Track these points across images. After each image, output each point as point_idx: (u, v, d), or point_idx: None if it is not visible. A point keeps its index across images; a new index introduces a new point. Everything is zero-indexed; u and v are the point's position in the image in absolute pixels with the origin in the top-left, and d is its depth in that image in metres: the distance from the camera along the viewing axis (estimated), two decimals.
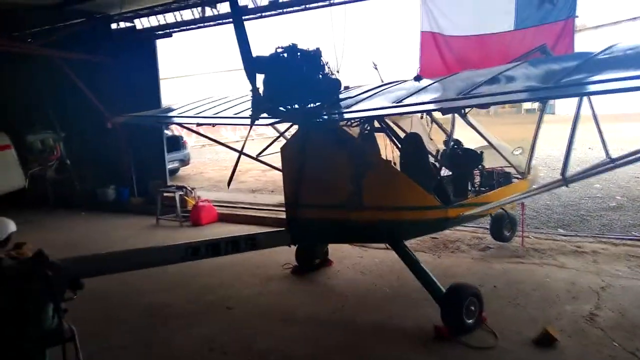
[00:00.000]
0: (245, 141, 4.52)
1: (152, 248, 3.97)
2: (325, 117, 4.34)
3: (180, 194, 9.18)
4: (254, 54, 4.04)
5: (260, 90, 4.15)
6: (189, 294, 5.39)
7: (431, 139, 5.67)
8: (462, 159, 5.79)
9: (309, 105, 4.29)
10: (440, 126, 5.79)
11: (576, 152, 14.50)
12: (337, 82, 4.32)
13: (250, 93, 4.16)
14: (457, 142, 5.93)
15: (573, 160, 13.18)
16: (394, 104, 3.98)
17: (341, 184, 4.38)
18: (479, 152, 5.74)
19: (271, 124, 4.80)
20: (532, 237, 7.01)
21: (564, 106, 32.59)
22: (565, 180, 3.86)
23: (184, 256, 3.84)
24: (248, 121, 4.44)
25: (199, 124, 5.89)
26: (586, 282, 5.30)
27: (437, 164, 5.49)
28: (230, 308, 4.98)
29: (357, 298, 5.17)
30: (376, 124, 5.23)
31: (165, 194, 9.52)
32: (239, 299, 5.23)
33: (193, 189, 9.59)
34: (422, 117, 5.45)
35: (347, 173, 4.36)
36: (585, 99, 4.31)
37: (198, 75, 27.63)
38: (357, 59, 8.15)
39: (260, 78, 4.20)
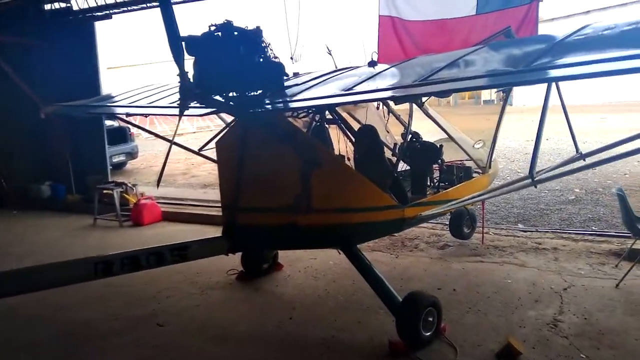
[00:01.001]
0: (175, 133, 3.90)
1: (49, 265, 3.31)
2: (268, 106, 3.80)
3: (120, 191, 8.40)
4: (183, 34, 3.45)
5: (190, 75, 3.56)
6: (115, 308, 4.75)
7: (388, 132, 5.22)
8: (421, 154, 5.39)
9: (248, 93, 3.75)
10: (397, 117, 5.35)
11: (532, 144, 14.59)
12: (280, 67, 3.78)
13: (178, 79, 3.56)
14: (416, 135, 5.52)
15: (525, 151, 13.32)
16: (344, 92, 3.48)
17: (286, 184, 3.86)
18: (438, 145, 5.35)
19: (205, 115, 4.21)
20: (492, 233, 6.74)
21: (521, 97, 33.39)
22: (533, 179, 3.49)
23: (91, 274, 3.23)
24: (178, 111, 3.82)
25: (128, 114, 5.21)
26: (548, 282, 5.03)
27: (393, 159, 5.05)
28: (161, 325, 4.39)
29: (307, 308, 4.69)
30: (328, 115, 4.74)
31: (105, 191, 8.73)
32: (173, 313, 4.64)
33: (134, 185, 8.82)
34: (378, 107, 4.98)
35: (293, 172, 3.85)
36: (553, 87, 3.94)
37: (149, 64, 26.27)
38: (312, 45, 7.60)
39: (190, 61, 3.61)
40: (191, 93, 3.52)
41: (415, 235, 6.91)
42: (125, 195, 8.44)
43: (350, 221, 4.04)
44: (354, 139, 4.67)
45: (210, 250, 3.91)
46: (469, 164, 5.75)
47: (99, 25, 9.74)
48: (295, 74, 4.98)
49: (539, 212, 7.54)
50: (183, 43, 3.39)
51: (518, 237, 6.51)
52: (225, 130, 3.90)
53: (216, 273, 5.50)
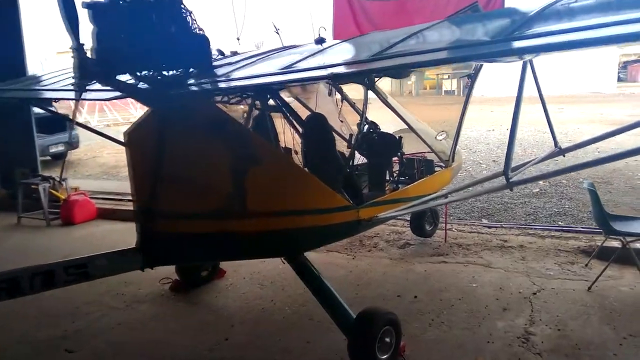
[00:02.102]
0: (73, 117, 3.15)
1: None
2: (191, 89, 3.11)
3: (47, 186, 7.46)
4: None
5: (89, 50, 2.83)
6: (17, 330, 3.98)
7: (342, 121, 4.62)
8: (379, 146, 4.82)
9: (165, 73, 3.05)
10: (352, 105, 4.74)
11: (494, 133, 14.44)
12: (204, 40, 3.08)
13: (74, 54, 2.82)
14: (373, 125, 4.94)
15: (486, 141, 13.08)
16: (281, 71, 2.84)
17: (215, 184, 3.20)
18: (397, 137, 4.80)
19: (111, 99, 3.47)
20: (455, 229, 6.29)
21: (480, 88, 33.66)
22: (509, 181, 2.97)
23: None
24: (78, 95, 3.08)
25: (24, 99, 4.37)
26: (516, 286, 4.60)
27: (346, 152, 4.45)
28: (70, 351, 3.66)
29: (248, 324, 4.06)
30: (271, 102, 4.08)
31: (32, 186, 7.76)
32: (88, 335, 3.92)
33: (64, 179, 7.87)
34: (330, 93, 4.36)
35: (223, 169, 3.18)
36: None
37: None
38: (259, 24, 6.88)
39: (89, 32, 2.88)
40: (89, 72, 2.78)
41: (374, 233, 6.38)
42: (52, 190, 7.50)
43: (296, 226, 3.42)
44: (301, 130, 4.04)
45: (121, 266, 3.20)
46: (431, 156, 5.25)
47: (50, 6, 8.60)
48: (234, 54, 4.30)
49: (503, 205, 7.17)
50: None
51: (483, 233, 6.09)
52: (138, 118, 3.19)
53: (147, 282, 4.77)
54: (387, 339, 3.32)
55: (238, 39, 6.84)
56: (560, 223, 6.31)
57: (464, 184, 3.79)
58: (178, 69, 3.09)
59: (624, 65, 56.98)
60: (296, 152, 4.20)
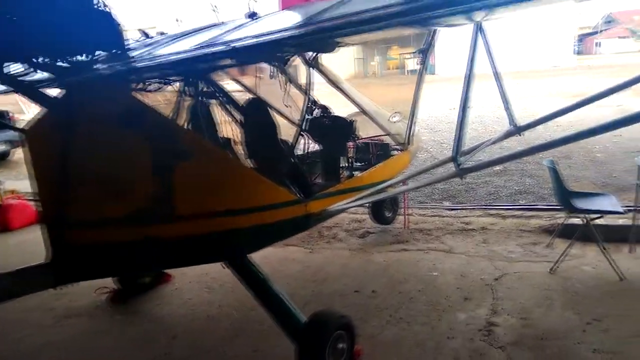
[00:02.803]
0: None
1: None
2: (102, 74, 2.68)
3: None
4: None
5: None
6: None
7: (288, 106, 4.24)
8: (330, 131, 4.48)
9: (69, 58, 2.61)
10: (299, 87, 4.35)
11: (456, 112, 14.29)
12: (111, 19, 2.64)
13: None
14: (324, 109, 4.59)
15: (448, 120, 12.91)
16: (203, 46, 2.44)
17: (136, 184, 2.79)
18: (349, 120, 4.47)
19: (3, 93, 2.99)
20: (416, 214, 6.08)
21: (446, 66, 33.76)
22: (459, 167, 2.69)
23: None
24: None
25: None
26: (478, 272, 4.40)
27: (291, 141, 4.08)
28: None
29: (192, 334, 3.70)
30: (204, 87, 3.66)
31: None
32: (8, 358, 3.48)
33: None
34: (272, 75, 3.96)
35: (144, 167, 2.78)
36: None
37: None
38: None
39: None
40: None
41: (334, 222, 6.09)
42: None
43: (235, 226, 3.06)
44: (240, 118, 3.65)
45: (28, 285, 2.76)
46: (388, 140, 4.96)
47: None
48: (161, 34, 3.84)
49: (465, 186, 6.98)
50: None
51: (444, 217, 5.89)
52: (39, 112, 2.73)
53: (83, 293, 4.31)
54: (340, 345, 3.03)
55: (178, 20, 6.34)
56: (522, 202, 6.17)
57: (413, 171, 3.50)
58: (83, 53, 2.65)
59: (580, 39, 58.46)
60: (235, 143, 3.81)
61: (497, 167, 7.68)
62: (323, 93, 4.88)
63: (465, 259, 4.73)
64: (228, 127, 3.77)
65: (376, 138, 5.04)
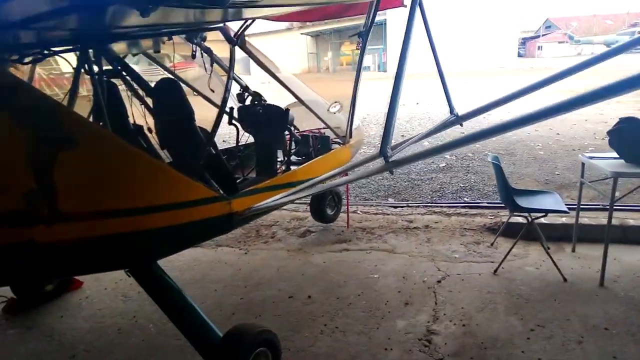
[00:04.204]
0: None
1: None
2: None
3: None
4: None
5: None
6: None
7: (213, 90, 3.77)
8: (263, 120, 4.07)
9: None
10: (223, 67, 3.86)
11: (404, 108, 14.26)
12: None
13: None
14: (257, 96, 4.18)
15: (399, 115, 12.91)
16: None
17: (8, 178, 2.27)
18: (284, 109, 4.08)
19: None
20: (360, 212, 5.79)
21: (394, 65, 34.13)
22: (388, 160, 2.37)
23: None
24: None
25: None
26: (420, 273, 4.15)
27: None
28: None
29: (97, 352, 3.20)
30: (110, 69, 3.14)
31: None
32: None
33: None
34: (194, 54, 3.47)
35: (15, 157, 2.26)
36: None
37: None
38: None
39: None
40: None
41: (273, 220, 5.72)
42: None
43: (138, 228, 2.59)
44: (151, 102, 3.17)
45: None
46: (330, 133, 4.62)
47: None
48: None
49: (410, 182, 6.79)
50: None
51: (388, 214, 5.64)
52: None
53: None
54: None
55: None
56: (466, 199, 6.02)
57: (343, 167, 3.16)
58: None
59: (523, 42, 60.99)
60: (149, 130, 3.32)
61: (442, 163, 7.56)
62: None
63: (408, 259, 4.48)
64: (141, 113, 3.27)
65: (316, 130, 4.69)
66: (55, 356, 3.15)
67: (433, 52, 3.29)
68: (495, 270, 4.10)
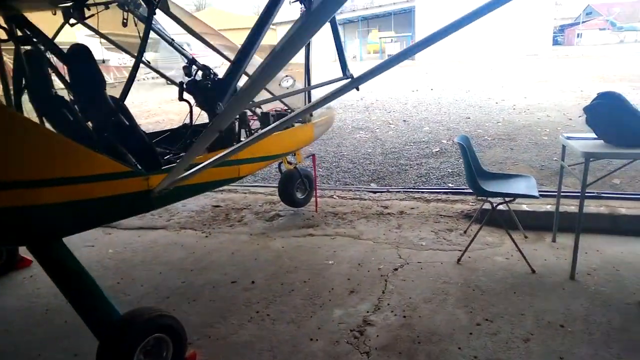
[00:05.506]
0: None
1: None
2: None
3: None
4: None
5: None
6: None
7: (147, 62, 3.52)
8: (213, 95, 3.84)
9: None
10: (165, 37, 3.54)
11: (416, 94, 13.77)
12: None
13: None
14: (206, 70, 3.95)
15: (404, 101, 12.37)
16: None
17: None
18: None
19: None
20: (337, 196, 5.52)
21: (422, 52, 33.42)
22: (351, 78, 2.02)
23: None
24: None
25: None
26: (378, 261, 3.87)
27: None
28: None
29: (13, 335, 3.08)
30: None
31: None
32: None
33: None
34: (125, 21, 3.25)
35: None
36: None
37: None
38: None
39: None
40: None
41: (246, 203, 5.53)
42: None
43: (26, 202, 2.41)
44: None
45: None
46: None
47: None
48: None
49: (397, 168, 6.44)
50: None
51: (365, 199, 5.34)
52: None
53: None
54: (159, 351, 2.45)
55: None
56: (450, 185, 5.64)
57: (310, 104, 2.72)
58: None
59: (561, 29, 58.37)
60: (72, 102, 3.14)
61: (436, 148, 7.16)
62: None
63: (372, 245, 4.19)
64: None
65: (278, 108, 4.43)
66: None
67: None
68: (459, 260, 3.78)
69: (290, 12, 4.22)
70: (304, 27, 1.83)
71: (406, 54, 1.81)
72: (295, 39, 1.85)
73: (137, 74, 3.11)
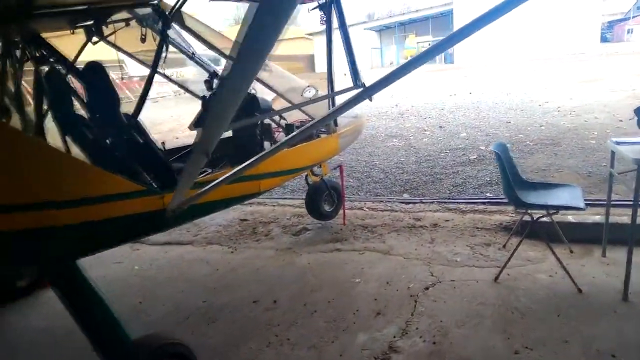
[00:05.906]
0: None
1: None
2: None
3: None
4: None
5: None
6: None
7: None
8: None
9: None
10: (185, 52, 3.50)
11: (454, 98, 13.32)
12: None
13: None
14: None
15: (441, 106, 11.95)
16: None
17: None
18: (249, 93, 3.73)
19: None
20: (366, 208, 5.30)
21: (464, 55, 32.87)
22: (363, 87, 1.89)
23: None
24: None
25: None
26: (408, 279, 3.63)
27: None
28: None
29: (32, 356, 3.06)
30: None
31: None
32: None
33: None
34: (144, 36, 3.20)
35: None
36: None
37: None
38: None
39: None
40: None
41: (274, 216, 5.41)
42: None
43: (40, 224, 2.37)
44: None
45: None
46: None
47: None
48: None
49: (432, 177, 6.16)
50: None
51: (396, 211, 5.10)
52: None
53: None
54: None
55: None
56: (488, 194, 5.31)
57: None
58: None
59: (610, 25, 55.60)
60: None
61: (473, 156, 6.81)
62: None
63: (402, 261, 3.96)
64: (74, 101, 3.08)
65: (299, 120, 4.30)
66: None
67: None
68: (496, 278, 3.48)
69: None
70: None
71: (420, 59, 1.61)
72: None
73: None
